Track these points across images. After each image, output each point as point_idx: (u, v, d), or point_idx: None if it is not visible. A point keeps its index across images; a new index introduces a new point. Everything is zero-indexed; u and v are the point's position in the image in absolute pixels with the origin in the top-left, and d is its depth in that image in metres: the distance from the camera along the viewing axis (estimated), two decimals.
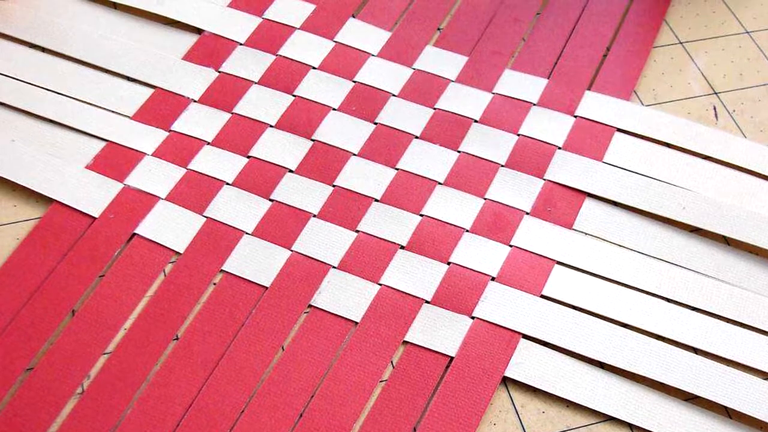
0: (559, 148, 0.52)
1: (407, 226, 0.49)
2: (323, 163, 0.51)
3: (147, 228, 0.48)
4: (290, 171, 0.51)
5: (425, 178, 0.51)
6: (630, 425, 0.43)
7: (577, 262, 0.48)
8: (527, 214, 0.50)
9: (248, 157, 0.51)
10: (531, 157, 0.52)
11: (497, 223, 0.49)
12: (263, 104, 0.54)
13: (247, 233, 0.48)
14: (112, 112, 0.53)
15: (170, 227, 0.48)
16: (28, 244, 0.47)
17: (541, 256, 0.48)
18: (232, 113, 0.53)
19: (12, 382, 0.42)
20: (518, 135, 0.53)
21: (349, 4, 0.59)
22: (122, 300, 0.45)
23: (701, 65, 0.58)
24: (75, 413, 0.42)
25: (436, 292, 0.47)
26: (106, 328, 0.44)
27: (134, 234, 0.48)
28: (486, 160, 0.52)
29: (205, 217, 0.49)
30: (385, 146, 0.52)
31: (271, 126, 0.53)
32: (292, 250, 0.48)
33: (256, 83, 0.55)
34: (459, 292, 0.46)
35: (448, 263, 0.48)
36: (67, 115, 0.52)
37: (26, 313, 0.45)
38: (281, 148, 0.52)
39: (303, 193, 0.50)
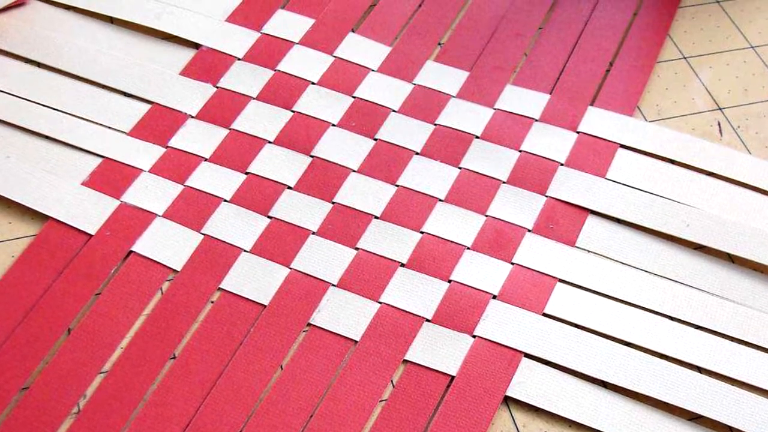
0: (562, 164, 0.53)
1: (407, 243, 0.50)
2: (322, 179, 0.52)
3: (144, 245, 0.49)
4: (289, 188, 0.52)
5: (426, 194, 0.52)
6: None
7: (579, 280, 0.49)
8: (529, 231, 0.50)
9: (246, 173, 0.52)
10: (533, 174, 0.53)
11: (498, 240, 0.50)
12: (261, 120, 0.54)
13: (245, 251, 0.49)
14: (109, 128, 0.54)
15: (167, 244, 0.49)
16: (24, 261, 0.48)
17: (543, 273, 0.49)
18: (230, 129, 0.54)
19: (7, 402, 0.43)
20: (520, 151, 0.54)
21: (349, 18, 0.60)
22: (119, 318, 0.46)
23: (705, 80, 0.59)
24: None
25: (436, 310, 0.47)
26: (103, 347, 0.45)
27: (131, 251, 0.49)
28: (487, 176, 0.53)
29: (202, 234, 0.49)
30: (385, 162, 0.53)
31: (269, 142, 0.53)
32: (290, 268, 0.48)
33: (254, 99, 0.55)
34: (460, 311, 0.47)
35: (449, 281, 0.48)
36: (62, 131, 0.53)
37: (21, 331, 0.45)
38: (280, 165, 0.52)
39: (302, 210, 0.51)
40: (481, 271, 0.49)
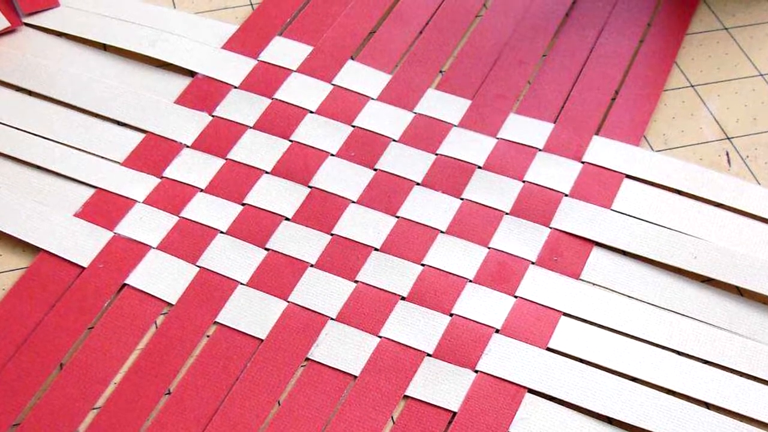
0: (566, 195, 0.54)
1: (408, 276, 0.50)
2: (321, 210, 0.53)
3: (138, 278, 0.50)
4: (286, 219, 0.53)
5: (427, 226, 0.52)
6: None
7: (584, 313, 0.49)
8: (533, 263, 0.51)
9: (243, 204, 0.53)
10: (537, 205, 0.54)
11: (501, 273, 0.51)
12: (258, 150, 0.55)
13: (241, 283, 0.50)
14: (102, 157, 0.55)
15: (162, 277, 0.50)
16: (15, 294, 0.49)
17: (547, 307, 0.49)
18: (226, 159, 0.55)
19: None
20: (523, 182, 0.55)
21: (348, 45, 0.61)
22: (112, 353, 0.47)
23: (713, 109, 0.60)
24: None
25: (438, 344, 0.48)
26: (96, 382, 0.46)
27: (124, 284, 0.49)
28: (490, 207, 0.53)
29: (198, 266, 0.50)
30: (385, 193, 0.54)
31: (266, 172, 0.54)
32: (288, 301, 0.49)
33: (251, 128, 0.56)
34: (462, 345, 0.48)
35: (451, 315, 0.49)
36: (54, 161, 0.54)
37: (12, 366, 0.46)
38: (277, 195, 0.53)
39: (300, 241, 0.51)
40: (484, 305, 0.49)
